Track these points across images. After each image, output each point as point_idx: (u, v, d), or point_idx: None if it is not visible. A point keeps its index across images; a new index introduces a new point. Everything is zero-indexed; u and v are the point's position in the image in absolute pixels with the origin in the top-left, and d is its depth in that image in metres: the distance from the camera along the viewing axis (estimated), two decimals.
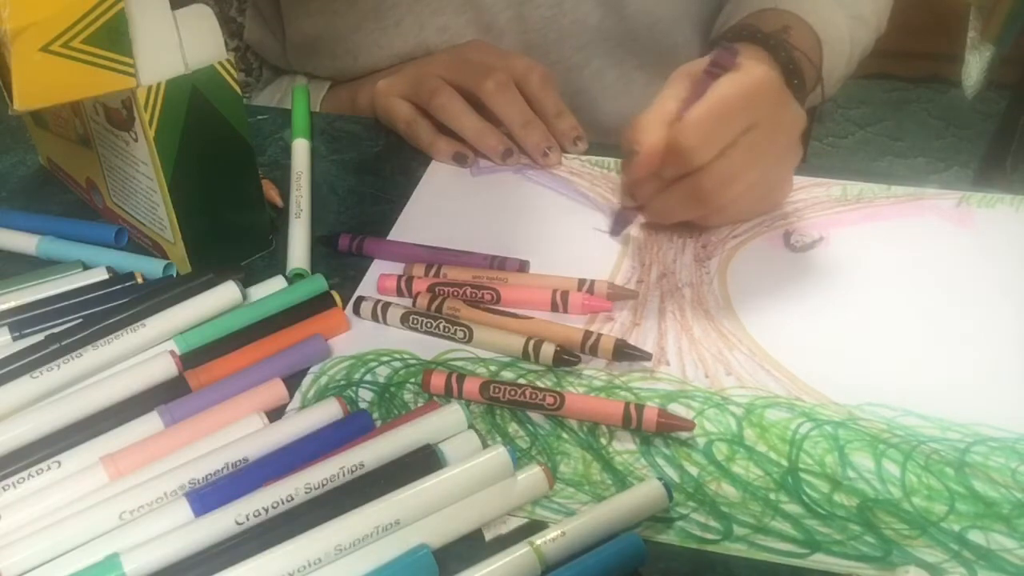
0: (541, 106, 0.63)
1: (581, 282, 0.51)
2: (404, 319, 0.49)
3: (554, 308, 0.51)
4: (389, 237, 0.57)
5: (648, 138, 0.52)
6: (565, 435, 0.44)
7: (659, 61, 0.76)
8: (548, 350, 0.47)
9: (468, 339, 0.48)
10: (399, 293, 0.52)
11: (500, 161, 0.62)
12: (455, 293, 0.51)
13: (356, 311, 0.51)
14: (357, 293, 0.52)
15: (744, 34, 0.62)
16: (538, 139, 0.62)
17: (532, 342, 0.47)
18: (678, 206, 0.54)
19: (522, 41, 0.73)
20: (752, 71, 0.52)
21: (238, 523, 0.38)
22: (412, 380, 0.47)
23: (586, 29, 0.73)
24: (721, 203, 0.53)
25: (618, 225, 0.57)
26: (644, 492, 0.39)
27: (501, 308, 0.50)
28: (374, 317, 0.50)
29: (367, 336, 0.50)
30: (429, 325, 0.49)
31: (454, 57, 0.65)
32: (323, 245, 0.56)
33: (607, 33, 0.73)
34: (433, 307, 0.50)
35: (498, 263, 0.53)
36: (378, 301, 0.50)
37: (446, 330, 0.49)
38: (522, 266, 0.53)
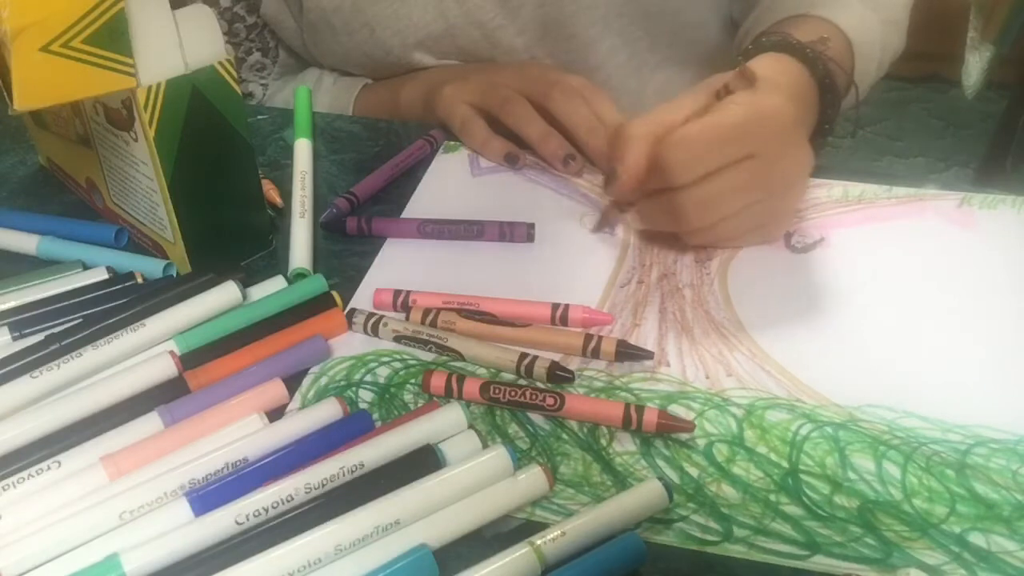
0: (602, 118, 0.63)
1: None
2: (397, 339, 0.49)
3: (553, 324, 0.50)
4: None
5: (631, 157, 0.51)
6: (565, 436, 0.44)
7: (672, 43, 0.76)
8: (541, 368, 0.46)
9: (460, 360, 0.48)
10: (395, 308, 0.51)
11: (561, 167, 0.63)
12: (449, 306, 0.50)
13: (349, 326, 0.50)
14: (350, 305, 0.51)
15: (780, 44, 0.59)
16: (603, 144, 0.62)
17: (525, 360, 0.46)
18: (659, 216, 0.54)
19: (540, 14, 0.73)
20: (764, 101, 0.51)
21: (238, 523, 0.38)
22: (412, 381, 0.47)
23: (602, 3, 0.73)
24: (699, 225, 0.52)
25: (602, 224, 0.57)
26: (644, 492, 0.39)
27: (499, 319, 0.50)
28: (366, 332, 0.49)
29: (367, 337, 0.50)
30: (421, 347, 0.48)
31: (518, 73, 0.67)
32: (327, 231, 0.56)
33: (621, 9, 0.73)
34: (428, 320, 0.49)
35: (507, 229, 0.56)
36: (371, 315, 0.49)
37: (438, 353, 0.48)
38: (529, 231, 0.55)
